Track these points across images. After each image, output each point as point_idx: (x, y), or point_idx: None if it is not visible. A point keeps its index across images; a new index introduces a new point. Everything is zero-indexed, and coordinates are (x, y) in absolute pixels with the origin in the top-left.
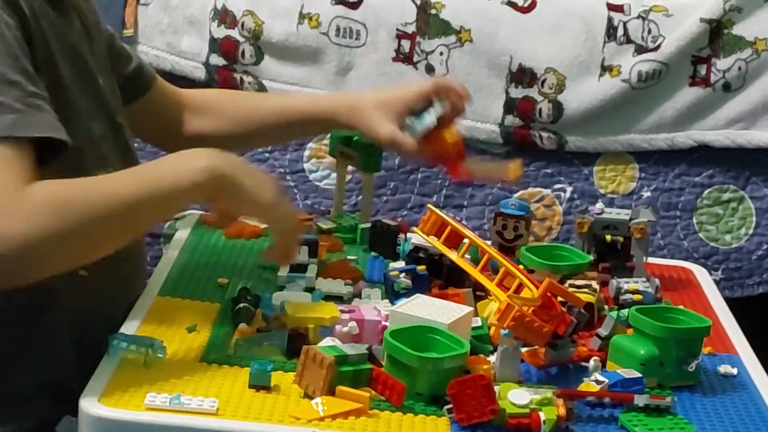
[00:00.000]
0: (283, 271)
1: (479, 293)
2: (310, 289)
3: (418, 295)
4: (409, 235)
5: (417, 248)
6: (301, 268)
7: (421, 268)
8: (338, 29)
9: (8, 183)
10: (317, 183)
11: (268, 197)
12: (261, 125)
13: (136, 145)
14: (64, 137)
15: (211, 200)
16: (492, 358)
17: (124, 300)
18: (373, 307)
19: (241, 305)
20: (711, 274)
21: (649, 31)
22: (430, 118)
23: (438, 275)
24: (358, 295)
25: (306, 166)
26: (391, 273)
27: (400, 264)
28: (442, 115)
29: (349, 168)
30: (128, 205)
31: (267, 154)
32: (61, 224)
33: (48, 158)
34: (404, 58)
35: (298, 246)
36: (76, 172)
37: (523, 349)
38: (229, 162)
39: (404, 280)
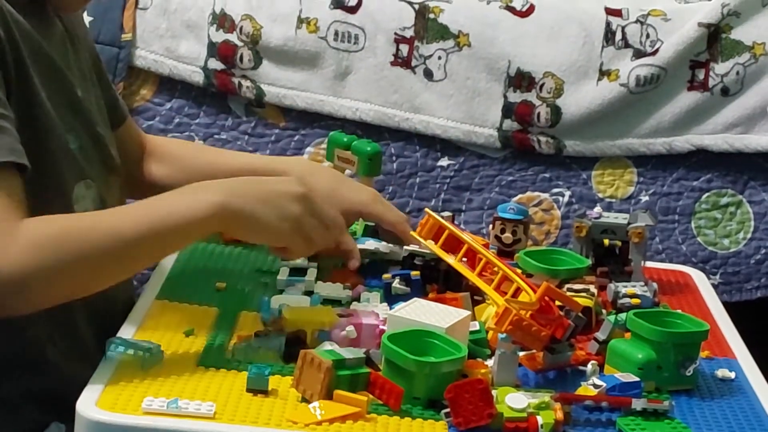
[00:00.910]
0: (282, 275)
1: (477, 297)
2: (309, 293)
3: (415, 299)
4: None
5: (412, 255)
6: (300, 272)
7: (415, 273)
8: (336, 34)
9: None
10: None
11: (278, 229)
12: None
13: None
14: (23, 161)
15: (221, 232)
16: (490, 362)
17: (111, 306)
18: (372, 311)
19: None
20: (709, 279)
21: (648, 36)
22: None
23: (435, 281)
24: (357, 299)
25: None
26: (384, 276)
27: (396, 268)
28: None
29: (348, 172)
30: (129, 242)
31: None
32: (56, 261)
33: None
34: (402, 62)
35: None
36: (53, 186)
37: (521, 353)
38: (243, 192)
39: (399, 286)
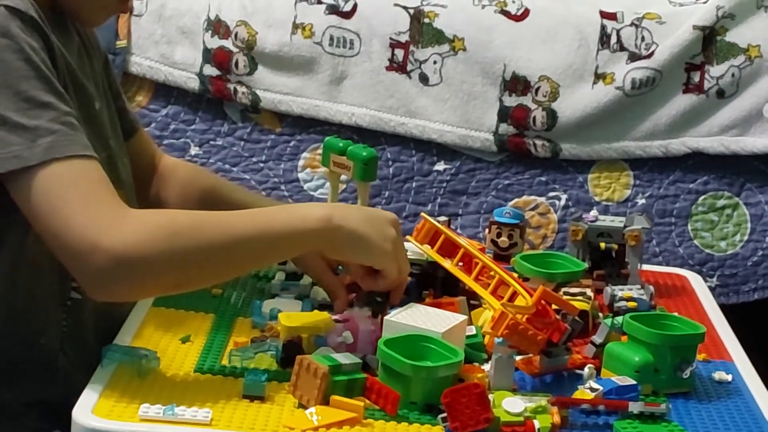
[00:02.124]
0: (277, 279)
1: (473, 302)
2: (303, 298)
3: (412, 303)
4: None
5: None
6: (296, 277)
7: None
8: (332, 39)
9: (105, 198)
10: (312, 192)
11: (382, 249)
12: None
13: None
14: (96, 155)
15: (324, 250)
16: (486, 367)
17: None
18: (368, 316)
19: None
20: (706, 281)
21: (643, 39)
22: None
23: (432, 286)
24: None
25: (300, 175)
26: None
27: None
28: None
29: (344, 177)
30: (241, 241)
31: (261, 164)
32: (168, 250)
33: None
34: (398, 67)
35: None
36: None
37: (518, 357)
38: (347, 212)
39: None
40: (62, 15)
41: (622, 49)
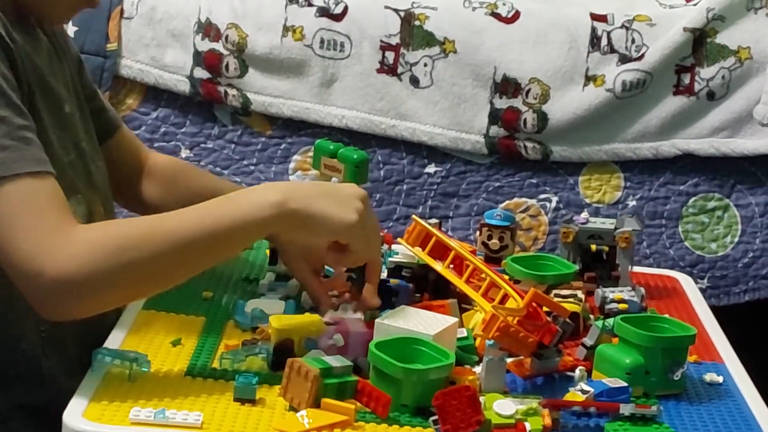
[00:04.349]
0: (266, 280)
1: (464, 304)
2: (289, 299)
3: (403, 306)
4: (394, 246)
5: (399, 267)
6: (286, 278)
7: (394, 281)
8: (322, 41)
9: (51, 218)
10: None
11: (342, 221)
12: None
13: None
14: (51, 170)
15: (284, 233)
16: (477, 369)
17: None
18: (359, 319)
19: None
20: (697, 283)
21: (633, 41)
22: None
23: (423, 290)
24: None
25: (291, 178)
26: None
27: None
28: None
29: (335, 180)
30: (188, 246)
31: (252, 167)
32: (114, 266)
33: None
34: (388, 69)
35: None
36: None
37: (509, 360)
38: (303, 192)
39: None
40: (28, 18)
41: (613, 51)
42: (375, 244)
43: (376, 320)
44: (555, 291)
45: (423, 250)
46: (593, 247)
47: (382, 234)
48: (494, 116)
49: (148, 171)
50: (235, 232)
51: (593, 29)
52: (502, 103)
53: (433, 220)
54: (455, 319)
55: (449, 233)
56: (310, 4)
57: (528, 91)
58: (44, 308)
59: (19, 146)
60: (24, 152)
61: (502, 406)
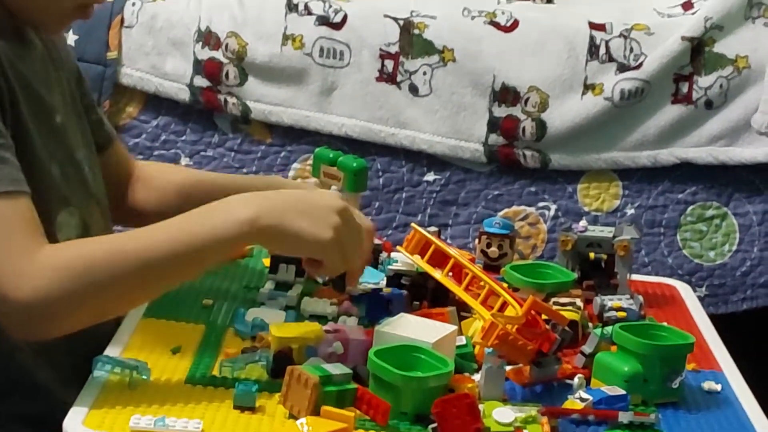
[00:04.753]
0: (266, 288)
1: (463, 312)
2: (291, 308)
3: (402, 314)
4: (393, 254)
5: (398, 275)
6: (285, 287)
7: (387, 290)
8: (322, 50)
9: (17, 241)
10: None
11: (317, 240)
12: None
13: None
14: (26, 189)
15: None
16: (476, 377)
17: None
18: (358, 326)
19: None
20: (695, 291)
21: (631, 50)
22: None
23: (422, 298)
24: (344, 315)
25: None
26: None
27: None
28: None
29: (334, 188)
30: (158, 265)
31: (252, 175)
32: (82, 286)
33: None
34: (388, 77)
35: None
36: (40, 215)
37: (508, 368)
38: (278, 206)
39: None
40: (22, 24)
41: (611, 60)
42: (351, 256)
43: (376, 328)
44: (554, 299)
45: (422, 258)
46: (592, 255)
47: (380, 242)
48: (493, 124)
49: (137, 178)
50: (206, 250)
51: (592, 38)
52: (501, 112)
53: (432, 228)
54: (454, 327)
55: (448, 241)
56: (310, 13)
57: (527, 100)
58: (14, 331)
59: None
60: None
61: (501, 414)
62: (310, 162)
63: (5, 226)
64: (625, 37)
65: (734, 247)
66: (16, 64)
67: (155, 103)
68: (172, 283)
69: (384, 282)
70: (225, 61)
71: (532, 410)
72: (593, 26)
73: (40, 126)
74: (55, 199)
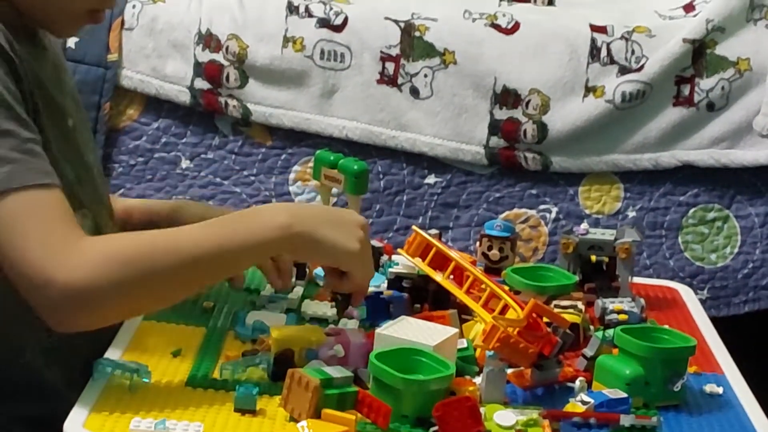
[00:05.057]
0: (266, 291)
1: (465, 315)
2: (291, 311)
3: (403, 317)
4: (394, 257)
5: (399, 278)
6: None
7: (387, 293)
8: (322, 52)
9: (59, 229)
10: None
11: (347, 250)
12: None
13: None
14: (58, 182)
15: (287, 254)
16: (478, 380)
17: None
18: (359, 329)
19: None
20: (697, 294)
21: (633, 52)
22: None
23: (423, 301)
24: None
25: (291, 189)
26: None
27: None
28: None
29: (335, 190)
30: (197, 263)
31: (253, 178)
32: (123, 278)
33: None
34: (389, 80)
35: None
36: None
37: (509, 370)
38: (310, 216)
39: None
40: (35, 30)
41: (612, 62)
42: (369, 275)
43: (377, 331)
44: (555, 302)
45: (423, 260)
46: (593, 257)
47: (381, 244)
48: (494, 127)
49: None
50: (243, 251)
51: (593, 40)
52: (502, 114)
53: (433, 231)
54: (455, 330)
55: (449, 244)
56: (311, 15)
57: (528, 102)
58: (53, 318)
59: (26, 159)
60: (30, 164)
61: (502, 417)
62: (310, 165)
63: (47, 214)
64: (627, 40)
65: (736, 250)
66: (33, 66)
67: (155, 105)
68: (208, 283)
69: (385, 285)
70: (225, 63)
71: (534, 413)
72: (594, 28)
73: (55, 129)
74: (69, 201)
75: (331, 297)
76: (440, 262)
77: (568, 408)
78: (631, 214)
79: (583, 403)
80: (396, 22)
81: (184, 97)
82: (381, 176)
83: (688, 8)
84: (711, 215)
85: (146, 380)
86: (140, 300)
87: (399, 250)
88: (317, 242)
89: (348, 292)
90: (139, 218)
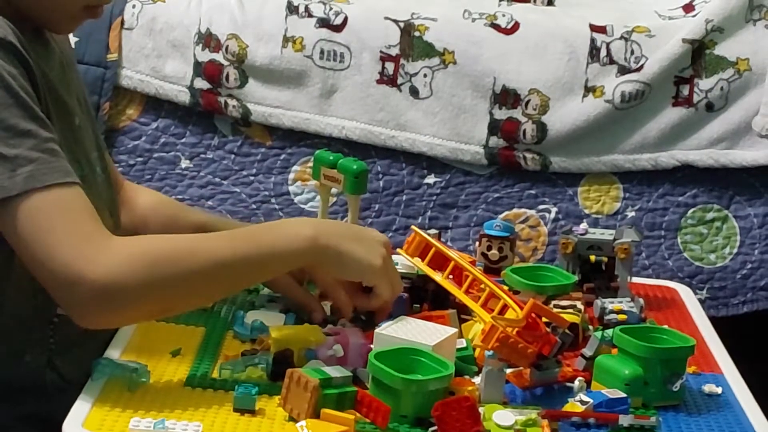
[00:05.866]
0: (266, 291)
1: (464, 315)
2: (290, 311)
3: (402, 317)
4: (393, 257)
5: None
6: None
7: None
8: (322, 52)
9: (86, 227)
10: (302, 206)
11: (371, 264)
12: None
13: None
14: (78, 181)
15: (312, 268)
16: (477, 380)
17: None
18: (358, 329)
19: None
20: (696, 294)
21: (632, 52)
22: None
23: (423, 301)
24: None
25: (291, 189)
26: None
27: None
28: None
29: (334, 190)
30: (226, 267)
31: (252, 177)
32: (151, 278)
33: None
34: (388, 80)
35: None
36: None
37: (508, 370)
38: (334, 231)
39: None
40: (41, 29)
41: (612, 62)
42: (398, 288)
43: (376, 331)
44: (554, 302)
45: (422, 260)
46: (592, 257)
47: None
48: (494, 127)
49: (123, 199)
50: (270, 260)
51: (592, 40)
52: (501, 114)
53: (433, 231)
54: (454, 330)
55: (448, 244)
56: (310, 15)
57: (527, 102)
58: (79, 314)
59: (47, 158)
60: (52, 164)
61: (501, 417)
62: (310, 164)
63: (72, 212)
64: (626, 40)
65: (735, 250)
66: (41, 65)
67: (155, 105)
68: (234, 289)
69: None
70: (225, 63)
71: (533, 413)
72: (594, 28)
73: (64, 129)
74: None
75: (352, 317)
76: (439, 262)
77: (567, 408)
78: (630, 214)
79: (582, 403)
80: (396, 22)
81: (184, 97)
82: (380, 176)
83: (688, 8)
84: (710, 215)
85: (145, 380)
86: (165, 301)
87: (398, 249)
88: (341, 255)
89: (372, 309)
90: (163, 219)
